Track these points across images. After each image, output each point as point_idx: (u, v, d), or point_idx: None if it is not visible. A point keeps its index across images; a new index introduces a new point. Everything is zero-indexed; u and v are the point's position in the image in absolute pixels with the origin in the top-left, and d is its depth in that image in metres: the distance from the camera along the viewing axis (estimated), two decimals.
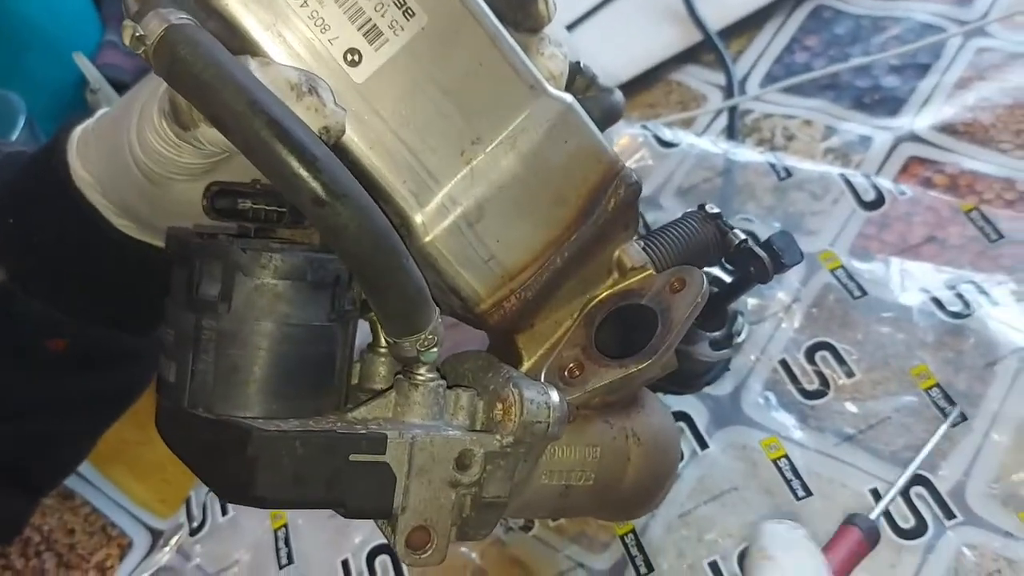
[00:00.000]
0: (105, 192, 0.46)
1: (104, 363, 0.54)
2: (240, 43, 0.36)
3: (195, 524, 0.70)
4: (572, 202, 0.42)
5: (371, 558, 0.64)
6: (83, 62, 0.74)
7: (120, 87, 0.75)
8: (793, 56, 0.85)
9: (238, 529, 0.68)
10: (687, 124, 0.83)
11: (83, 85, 0.76)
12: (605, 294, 0.44)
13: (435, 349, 0.36)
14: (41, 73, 0.77)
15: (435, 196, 0.39)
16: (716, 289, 0.54)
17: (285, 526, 0.67)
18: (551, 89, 0.41)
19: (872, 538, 0.55)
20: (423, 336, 0.35)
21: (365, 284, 0.34)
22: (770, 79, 0.84)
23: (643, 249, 0.45)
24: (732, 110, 0.82)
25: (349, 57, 0.37)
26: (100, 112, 0.47)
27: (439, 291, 0.41)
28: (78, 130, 0.47)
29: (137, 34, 0.32)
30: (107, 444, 0.66)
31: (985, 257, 0.66)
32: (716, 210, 0.48)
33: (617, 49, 0.86)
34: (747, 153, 0.77)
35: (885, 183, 0.72)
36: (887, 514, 0.57)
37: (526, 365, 0.43)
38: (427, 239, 0.39)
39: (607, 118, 0.46)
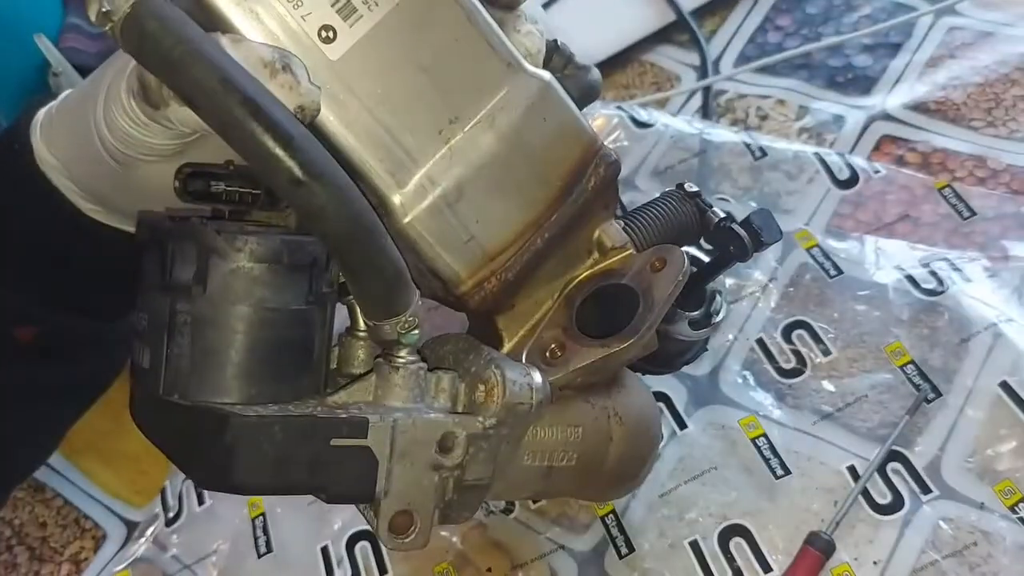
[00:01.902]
0: (72, 175, 0.45)
1: (74, 351, 0.53)
2: (210, 19, 0.35)
3: (171, 514, 0.69)
4: (552, 181, 0.41)
5: (351, 544, 0.64)
6: (45, 44, 0.72)
7: (83, 71, 0.73)
8: (766, 36, 0.85)
9: (215, 518, 0.68)
10: (661, 104, 0.83)
11: (46, 68, 0.74)
12: (585, 274, 0.44)
13: (416, 331, 0.36)
14: (2, 57, 0.75)
15: (413, 176, 0.38)
16: (694, 268, 0.53)
17: (263, 514, 0.66)
18: (528, 67, 0.41)
19: (828, 550, 0.55)
20: (403, 319, 0.35)
21: (344, 266, 0.33)
22: (743, 59, 0.84)
23: (623, 229, 0.45)
24: (706, 90, 0.81)
25: (323, 34, 0.36)
26: (64, 93, 0.46)
27: (418, 273, 0.40)
28: (42, 112, 0.46)
29: (103, 9, 0.31)
30: (79, 435, 0.65)
31: (958, 234, 0.67)
32: (695, 189, 0.47)
33: (590, 29, 0.85)
34: (722, 133, 0.77)
35: (859, 162, 0.72)
36: (865, 491, 0.57)
37: (507, 346, 0.43)
38: (406, 220, 0.38)
39: (585, 97, 0.46)
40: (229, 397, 0.34)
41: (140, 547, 0.68)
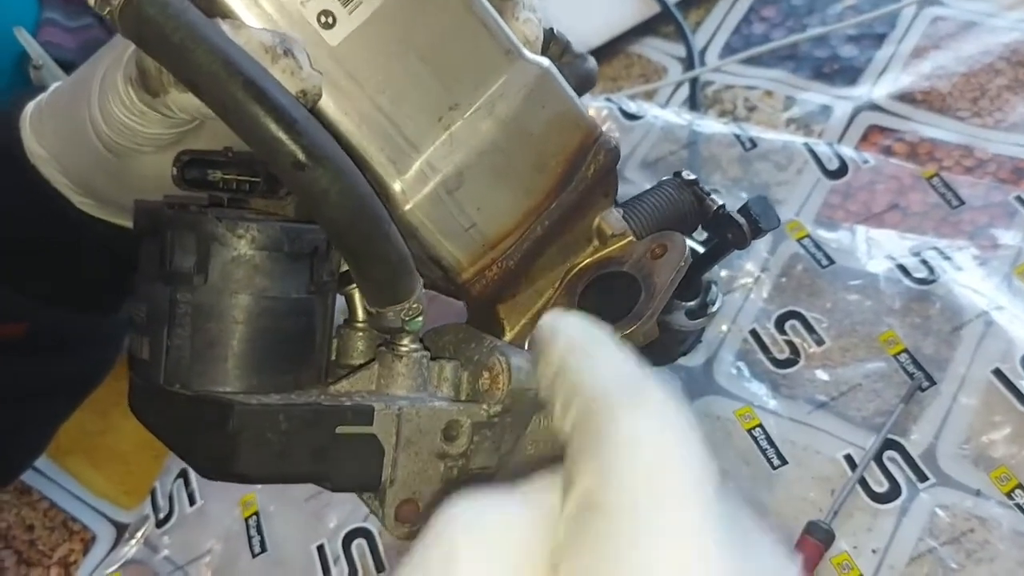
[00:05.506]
0: (63, 168, 0.44)
1: (64, 348, 0.52)
2: (209, 6, 0.34)
3: (162, 515, 0.68)
4: (552, 168, 0.41)
5: (347, 542, 0.63)
6: (25, 37, 0.71)
7: (62, 65, 0.72)
8: (751, 27, 0.85)
9: (207, 518, 0.67)
10: (649, 96, 0.83)
11: (25, 63, 0.73)
12: (586, 262, 0.43)
13: (420, 318, 0.35)
14: None
15: (414, 163, 0.38)
16: (690, 259, 0.53)
17: (256, 514, 0.66)
18: (527, 54, 0.40)
19: (827, 540, 0.55)
20: (408, 305, 0.35)
21: (347, 252, 0.33)
22: (729, 50, 0.84)
23: (622, 217, 0.45)
24: (693, 82, 0.81)
25: (323, 19, 0.36)
26: (54, 86, 0.45)
27: (419, 262, 0.39)
28: (30, 105, 0.45)
29: None
30: (65, 435, 0.64)
31: (947, 223, 0.67)
32: (692, 177, 0.47)
33: (576, 22, 0.84)
34: (712, 124, 0.77)
35: (848, 152, 0.73)
36: (862, 480, 0.57)
37: (508, 336, 0.43)
38: (407, 207, 0.38)
39: (582, 84, 0.46)
40: (231, 387, 0.33)
41: (131, 549, 0.67)
